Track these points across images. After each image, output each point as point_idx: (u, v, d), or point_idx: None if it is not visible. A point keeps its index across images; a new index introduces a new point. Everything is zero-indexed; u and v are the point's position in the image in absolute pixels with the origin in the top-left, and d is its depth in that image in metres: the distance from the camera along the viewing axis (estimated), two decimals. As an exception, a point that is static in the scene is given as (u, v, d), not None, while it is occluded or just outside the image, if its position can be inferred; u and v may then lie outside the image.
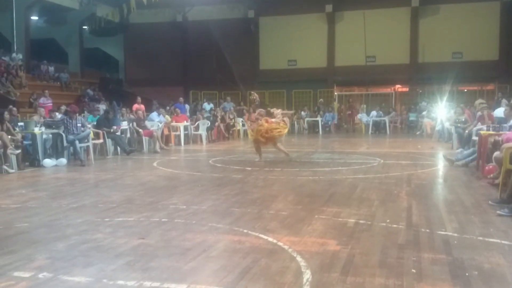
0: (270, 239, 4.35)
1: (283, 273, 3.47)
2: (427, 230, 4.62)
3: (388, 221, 4.97)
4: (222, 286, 3.25)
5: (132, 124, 13.56)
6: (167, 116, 15.96)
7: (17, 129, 10.53)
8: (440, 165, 10.06)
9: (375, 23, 23.77)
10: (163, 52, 26.63)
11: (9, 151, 9.17)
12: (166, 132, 15.17)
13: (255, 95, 11.38)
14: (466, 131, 11.92)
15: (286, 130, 10.90)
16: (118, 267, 3.65)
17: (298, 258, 3.79)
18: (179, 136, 15.59)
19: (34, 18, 25.59)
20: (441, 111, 17.24)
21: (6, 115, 9.95)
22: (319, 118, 22.00)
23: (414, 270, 3.53)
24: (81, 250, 4.09)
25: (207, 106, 20.28)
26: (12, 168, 9.24)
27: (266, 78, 25.77)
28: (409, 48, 24.34)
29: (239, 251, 4.01)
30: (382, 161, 10.36)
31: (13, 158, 9.36)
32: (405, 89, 26.01)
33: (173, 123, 15.76)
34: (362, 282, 3.31)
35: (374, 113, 21.28)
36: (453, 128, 13.12)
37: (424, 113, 19.88)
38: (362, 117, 21.98)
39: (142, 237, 4.45)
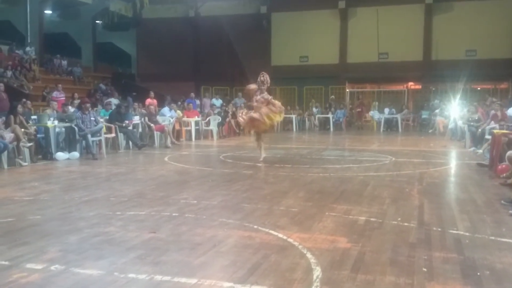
0: (280, 235, 4.35)
1: (293, 270, 3.47)
2: (439, 229, 4.59)
3: (399, 219, 4.94)
4: (232, 281, 3.26)
5: (144, 119, 13.63)
6: (178, 111, 16.00)
7: (30, 122, 10.63)
8: (453, 164, 10.00)
9: (388, 19, 23.61)
10: (175, 47, 26.64)
11: (21, 144, 9.26)
12: (177, 127, 15.21)
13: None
14: (479, 130, 11.83)
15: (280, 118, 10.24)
16: (129, 260, 3.68)
17: (308, 255, 3.79)
18: (190, 131, 15.63)
19: (48, 12, 25.70)
20: (454, 109, 17.09)
21: (20, 108, 10.04)
22: (330, 115, 21.92)
23: (425, 269, 3.51)
24: (93, 243, 4.13)
25: (216, 102, 20.24)
26: (25, 161, 9.33)
27: (277, 74, 25.55)
28: (423, 45, 24.13)
29: (249, 246, 4.02)
30: (393, 159, 10.30)
31: (26, 151, 9.45)
32: (418, 86, 25.80)
33: (185, 118, 15.81)
34: (372, 280, 3.30)
35: (387, 110, 21.18)
36: (466, 127, 13.01)
37: (437, 111, 19.73)
38: (374, 114, 21.87)
39: (153, 231, 4.47)
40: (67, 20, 27.57)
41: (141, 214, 5.22)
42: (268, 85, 9.96)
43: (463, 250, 3.96)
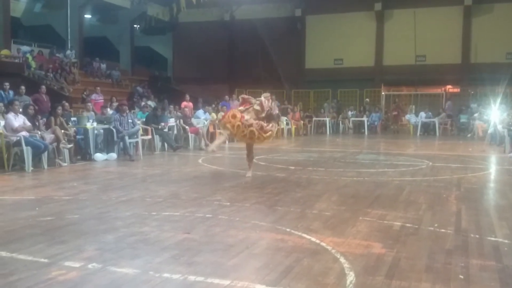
0: (313, 239, 4.33)
1: (326, 274, 3.45)
2: (477, 236, 4.48)
3: (436, 225, 4.84)
4: (264, 283, 3.26)
5: (179, 121, 13.81)
6: (212, 113, 16.14)
7: (70, 124, 10.92)
8: (492, 169, 9.72)
9: (426, 21, 23.16)
10: (210, 51, 26.91)
11: (61, 145, 9.53)
12: (211, 129, 15.35)
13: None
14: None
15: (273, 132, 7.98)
16: (164, 260, 3.73)
17: (342, 260, 3.75)
18: (224, 133, 15.70)
19: (88, 16, 26.44)
20: (494, 114, 16.63)
21: (59, 110, 10.33)
22: (365, 118, 21.67)
23: (461, 276, 3.43)
24: (129, 243, 4.21)
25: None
26: (65, 162, 9.60)
27: (311, 77, 25.63)
28: (461, 48, 23.58)
29: (281, 249, 4.02)
30: (430, 163, 10.09)
31: (66, 152, 9.72)
32: (456, 89, 25.21)
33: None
34: (407, 287, 3.24)
35: (422, 114, 20.77)
36: (506, 131, 12.64)
37: (475, 115, 19.24)
38: (410, 118, 21.50)
39: (187, 232, 4.53)
40: (106, 24, 28.25)
41: (175, 214, 5.28)
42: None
43: (501, 258, 3.84)
